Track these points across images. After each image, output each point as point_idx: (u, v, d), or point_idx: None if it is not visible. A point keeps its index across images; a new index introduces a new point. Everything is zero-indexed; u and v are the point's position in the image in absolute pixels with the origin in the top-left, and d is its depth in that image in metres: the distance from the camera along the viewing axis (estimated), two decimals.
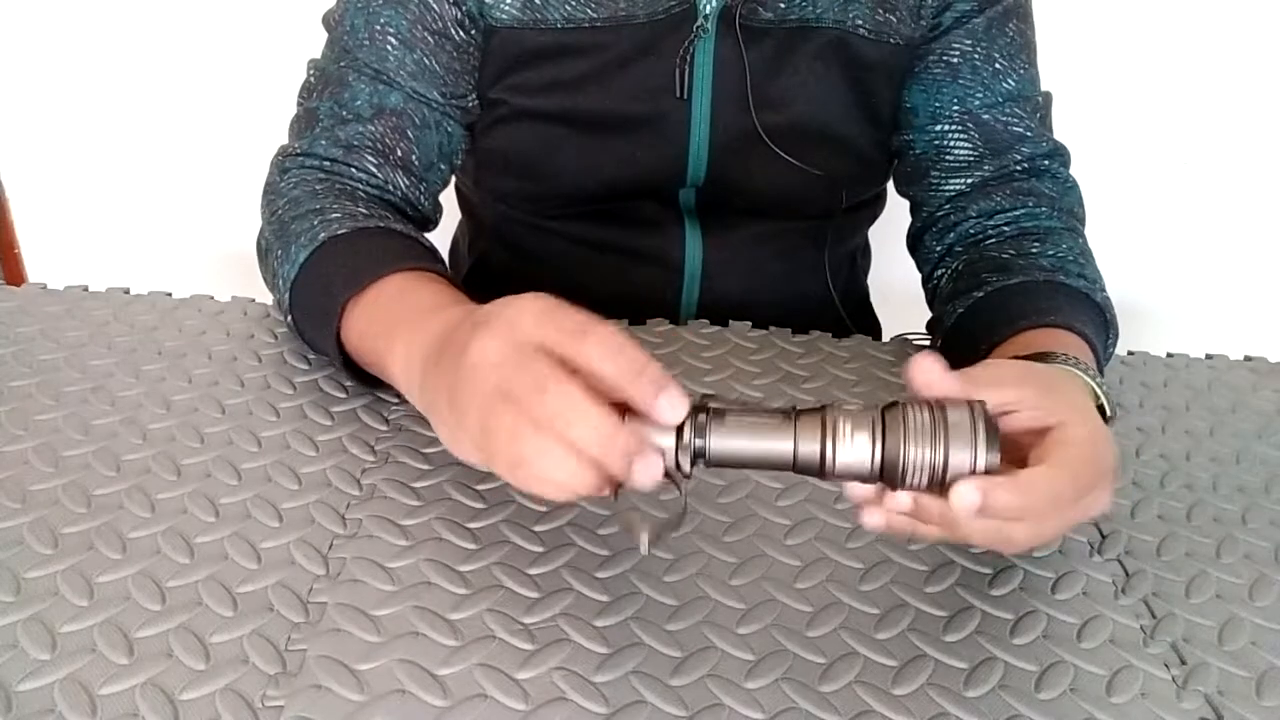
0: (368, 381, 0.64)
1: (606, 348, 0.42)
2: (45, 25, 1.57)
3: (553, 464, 0.42)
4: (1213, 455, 0.66)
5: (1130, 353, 0.79)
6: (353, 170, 0.72)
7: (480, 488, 0.57)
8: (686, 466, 0.44)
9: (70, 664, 0.44)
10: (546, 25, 0.74)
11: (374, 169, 0.73)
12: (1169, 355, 0.79)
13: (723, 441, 0.44)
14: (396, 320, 0.57)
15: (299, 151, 0.73)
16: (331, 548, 0.52)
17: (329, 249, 0.64)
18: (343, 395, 0.65)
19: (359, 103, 0.73)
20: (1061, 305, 0.66)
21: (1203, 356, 0.80)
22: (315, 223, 0.66)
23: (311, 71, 0.76)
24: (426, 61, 0.73)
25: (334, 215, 0.66)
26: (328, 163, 0.72)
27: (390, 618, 0.48)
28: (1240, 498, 0.62)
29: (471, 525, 0.54)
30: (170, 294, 0.77)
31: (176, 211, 1.68)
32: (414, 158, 0.74)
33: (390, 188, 0.73)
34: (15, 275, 1.76)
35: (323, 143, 0.73)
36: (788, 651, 0.47)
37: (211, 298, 0.77)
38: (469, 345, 0.44)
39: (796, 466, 0.45)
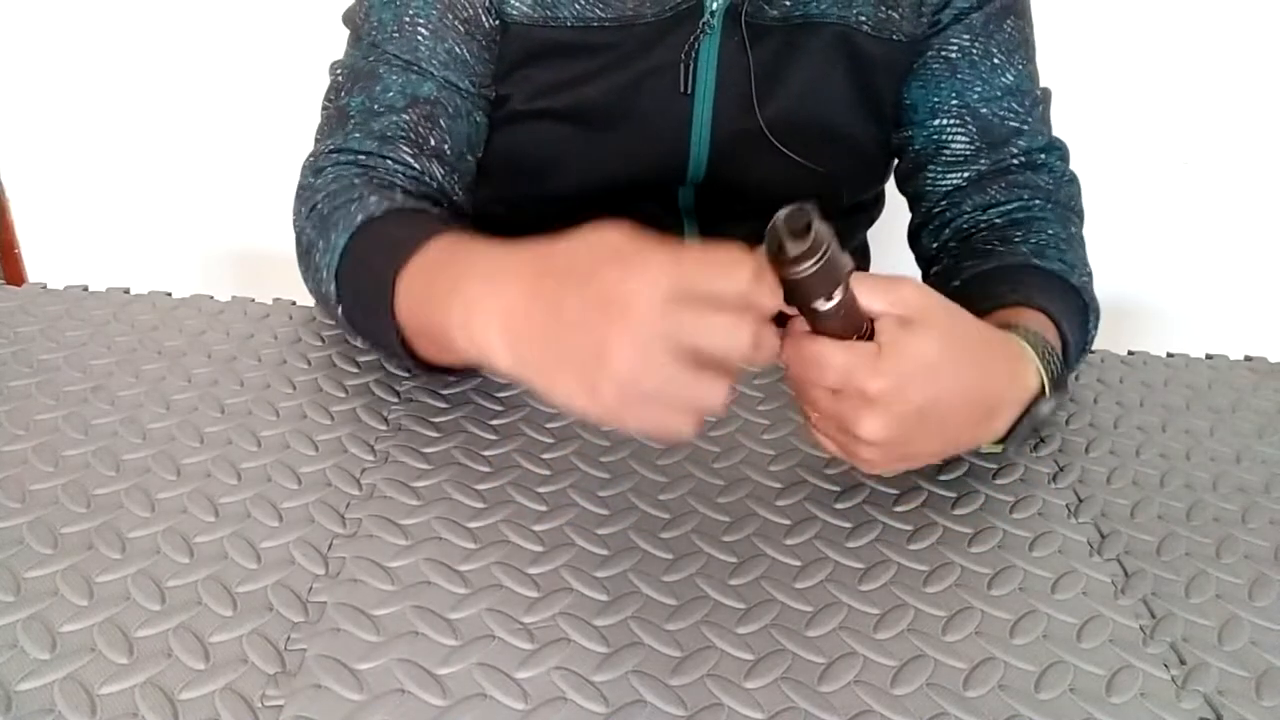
0: (432, 369, 0.62)
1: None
2: (45, 25, 1.57)
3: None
4: (1213, 455, 0.66)
5: (1130, 352, 0.79)
6: (389, 162, 0.71)
7: (480, 487, 0.57)
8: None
9: (70, 664, 0.44)
10: (557, 23, 0.74)
11: (410, 159, 0.72)
12: (1169, 355, 0.79)
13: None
14: (466, 266, 0.53)
15: (333, 149, 0.72)
16: (331, 547, 0.52)
17: (365, 231, 0.63)
18: (342, 395, 0.65)
19: (391, 94, 0.72)
20: (1032, 286, 0.66)
21: (1203, 356, 0.80)
22: (352, 209, 0.65)
23: (338, 72, 0.75)
24: (457, 50, 0.73)
25: (371, 200, 0.65)
26: (363, 156, 0.71)
27: (390, 617, 0.48)
28: (1240, 498, 0.62)
29: (471, 525, 0.54)
30: (170, 294, 0.77)
31: (176, 211, 1.68)
32: (447, 147, 0.74)
33: (427, 177, 0.73)
34: (15, 275, 1.76)
35: (356, 136, 0.72)
36: (787, 651, 0.47)
37: (211, 298, 0.77)
38: (619, 279, 0.46)
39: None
